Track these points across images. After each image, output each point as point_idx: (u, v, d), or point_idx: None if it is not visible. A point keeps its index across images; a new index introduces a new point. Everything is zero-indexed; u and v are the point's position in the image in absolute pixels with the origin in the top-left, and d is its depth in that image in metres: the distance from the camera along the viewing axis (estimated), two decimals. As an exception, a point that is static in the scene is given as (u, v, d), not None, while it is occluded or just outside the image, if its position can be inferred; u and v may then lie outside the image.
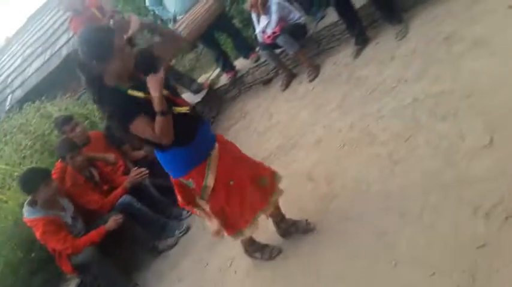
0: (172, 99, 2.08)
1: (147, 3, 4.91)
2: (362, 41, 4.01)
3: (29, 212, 3.24)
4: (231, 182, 2.24)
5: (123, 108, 1.95)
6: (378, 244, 2.21)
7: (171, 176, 2.30)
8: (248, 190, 2.29)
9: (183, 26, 4.42)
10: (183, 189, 2.31)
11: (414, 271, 1.97)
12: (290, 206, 2.86)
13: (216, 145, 2.24)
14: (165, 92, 1.98)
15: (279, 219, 2.65)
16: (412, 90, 3.05)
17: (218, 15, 4.51)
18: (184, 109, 2.08)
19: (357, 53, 4.00)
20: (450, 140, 2.46)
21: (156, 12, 4.96)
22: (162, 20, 5.12)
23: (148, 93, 1.93)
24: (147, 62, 2.04)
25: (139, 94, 1.95)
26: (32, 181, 3.17)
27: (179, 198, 2.37)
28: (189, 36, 4.47)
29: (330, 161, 3.07)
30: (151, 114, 1.94)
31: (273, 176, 2.46)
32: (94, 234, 3.32)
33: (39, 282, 3.60)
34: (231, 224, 2.38)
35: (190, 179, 2.22)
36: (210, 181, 2.20)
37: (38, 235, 3.22)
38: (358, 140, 3.03)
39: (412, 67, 3.30)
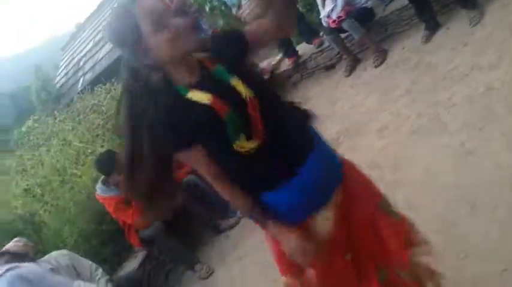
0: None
1: None
2: (433, 25, 3.86)
3: (102, 190, 3.45)
4: (347, 257, 1.43)
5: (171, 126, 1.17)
6: (446, 235, 2.15)
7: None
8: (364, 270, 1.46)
9: (247, 11, 4.46)
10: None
11: (484, 265, 1.91)
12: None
13: (340, 187, 1.39)
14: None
15: None
16: (486, 79, 2.91)
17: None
18: (250, 145, 1.21)
19: (427, 38, 3.85)
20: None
21: None
22: (226, 5, 5.19)
23: (217, 95, 1.18)
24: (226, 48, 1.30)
25: (204, 98, 1.18)
26: (108, 164, 3.37)
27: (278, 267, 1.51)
28: (254, 18, 4.49)
29: (396, 148, 3.00)
30: (214, 137, 1.21)
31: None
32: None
33: (109, 253, 3.84)
34: None
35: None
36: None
37: (110, 210, 3.44)
38: (427, 128, 2.94)
39: (486, 55, 3.13)
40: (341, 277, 1.43)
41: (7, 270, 2.14)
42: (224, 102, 1.18)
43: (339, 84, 4.56)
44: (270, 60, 5.59)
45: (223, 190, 1.27)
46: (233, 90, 1.20)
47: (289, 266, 1.44)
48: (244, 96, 1.19)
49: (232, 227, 3.71)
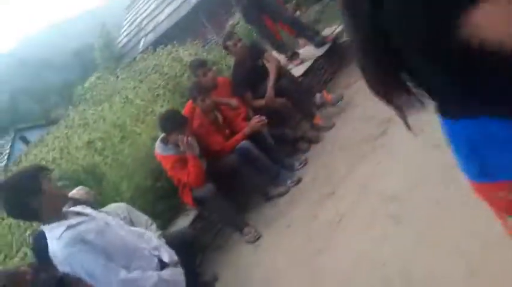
0: None
1: None
2: None
3: (161, 148, 3.58)
4: None
5: None
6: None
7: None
8: None
9: None
10: None
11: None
12: (411, 171, 2.76)
13: None
14: None
15: None
16: None
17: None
18: None
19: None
20: None
21: None
22: None
23: None
24: None
25: None
26: (170, 123, 3.48)
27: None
28: None
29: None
30: None
31: None
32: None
33: (163, 209, 4.00)
34: None
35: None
36: None
37: (167, 168, 3.57)
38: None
39: None
40: None
41: (66, 229, 2.09)
42: None
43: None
44: (332, 29, 5.43)
45: None
46: None
47: None
48: None
49: (281, 195, 3.75)
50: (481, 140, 0.87)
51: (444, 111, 0.91)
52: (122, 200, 3.66)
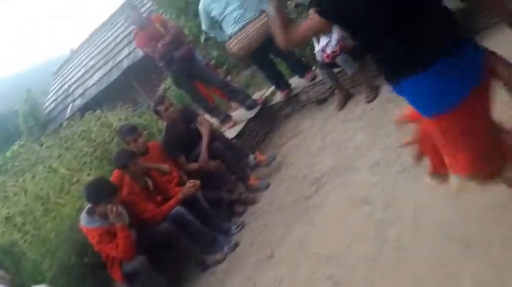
0: None
1: (204, 27, 5.04)
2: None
3: (86, 220, 3.34)
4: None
5: None
6: (438, 275, 2.09)
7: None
8: None
9: (235, 42, 4.52)
10: None
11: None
12: (344, 229, 2.79)
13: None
14: None
15: None
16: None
17: (271, 35, 4.56)
18: None
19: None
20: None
21: (213, 35, 5.10)
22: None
23: None
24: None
25: None
26: (98, 193, 3.28)
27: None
28: (240, 52, 4.57)
29: (388, 185, 2.96)
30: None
31: None
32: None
33: (90, 287, 3.70)
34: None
35: None
36: None
37: (93, 242, 3.32)
38: (419, 165, 2.91)
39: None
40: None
41: None
42: None
43: (330, 118, 4.56)
44: (262, 93, 5.61)
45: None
46: None
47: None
48: None
49: (218, 262, 3.60)
50: (424, 87, 1.59)
51: (396, 77, 1.65)
52: (43, 281, 3.35)
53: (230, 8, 4.57)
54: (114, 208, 3.21)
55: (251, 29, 4.46)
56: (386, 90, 4.18)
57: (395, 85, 1.70)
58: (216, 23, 4.79)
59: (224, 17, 4.64)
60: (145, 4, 9.81)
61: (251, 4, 4.52)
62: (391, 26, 1.54)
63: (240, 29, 4.55)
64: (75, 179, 4.27)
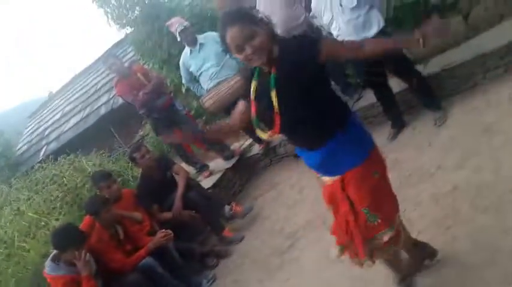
0: None
1: (184, 81, 5.19)
2: (399, 124, 4.03)
3: (51, 268, 3.18)
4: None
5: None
6: None
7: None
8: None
9: (207, 97, 4.63)
10: None
11: None
12: (319, 286, 2.73)
13: (347, 173, 1.97)
14: None
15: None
16: (452, 178, 2.99)
17: (241, 94, 4.68)
18: (263, 135, 1.93)
19: (393, 136, 4.00)
20: (492, 235, 2.35)
21: (192, 88, 5.23)
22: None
23: (255, 98, 1.89)
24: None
25: (251, 93, 1.89)
26: (66, 241, 3.13)
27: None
28: (211, 107, 4.68)
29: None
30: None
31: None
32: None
33: None
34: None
35: None
36: (323, 181, 2.11)
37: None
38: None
39: (451, 155, 3.25)
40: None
41: None
42: (258, 105, 1.85)
43: (307, 172, 4.55)
44: (240, 144, 5.65)
45: None
46: (270, 98, 1.78)
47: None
48: (274, 106, 1.77)
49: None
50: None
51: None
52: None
53: (207, 65, 4.72)
54: (83, 255, 3.08)
55: (223, 87, 4.57)
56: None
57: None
58: (194, 78, 4.94)
59: (201, 73, 4.80)
60: (128, 53, 9.96)
61: (228, 63, 4.67)
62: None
63: (215, 86, 4.67)
64: (42, 223, 4.12)
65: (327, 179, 2.03)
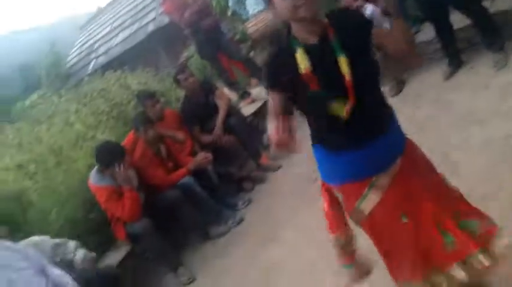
0: None
1: (230, 3, 5.02)
2: (455, 63, 3.78)
3: (97, 178, 3.36)
4: (404, 219, 1.56)
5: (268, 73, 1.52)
6: None
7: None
8: (427, 233, 1.56)
9: (252, 23, 4.46)
10: (332, 199, 1.72)
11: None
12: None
13: (398, 160, 1.55)
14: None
15: None
16: (506, 126, 2.82)
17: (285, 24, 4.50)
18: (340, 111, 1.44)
19: (449, 75, 3.77)
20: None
21: (238, 10, 5.05)
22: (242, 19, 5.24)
23: (313, 70, 1.41)
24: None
25: (302, 64, 1.40)
26: (107, 157, 3.29)
27: (325, 206, 1.75)
28: (254, 35, 4.52)
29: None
30: (299, 95, 1.46)
31: (487, 223, 1.62)
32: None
33: (94, 243, 3.73)
34: (395, 267, 1.67)
35: (340, 193, 1.65)
36: (366, 205, 1.56)
37: (101, 201, 3.35)
38: (437, 167, 2.84)
39: (508, 101, 3.04)
40: (397, 239, 1.59)
41: None
42: (317, 78, 1.41)
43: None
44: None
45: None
46: (337, 66, 1.40)
47: (338, 224, 1.72)
48: (344, 75, 1.40)
49: (221, 235, 3.63)
50: (317, 157, 1.66)
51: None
52: (49, 232, 3.37)
53: None
54: (123, 171, 3.22)
55: (268, 16, 4.37)
56: (412, 86, 4.08)
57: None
58: (241, 0, 4.76)
59: None
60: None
61: None
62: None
63: (261, 11, 4.48)
64: (89, 135, 4.28)
65: (372, 197, 1.55)
